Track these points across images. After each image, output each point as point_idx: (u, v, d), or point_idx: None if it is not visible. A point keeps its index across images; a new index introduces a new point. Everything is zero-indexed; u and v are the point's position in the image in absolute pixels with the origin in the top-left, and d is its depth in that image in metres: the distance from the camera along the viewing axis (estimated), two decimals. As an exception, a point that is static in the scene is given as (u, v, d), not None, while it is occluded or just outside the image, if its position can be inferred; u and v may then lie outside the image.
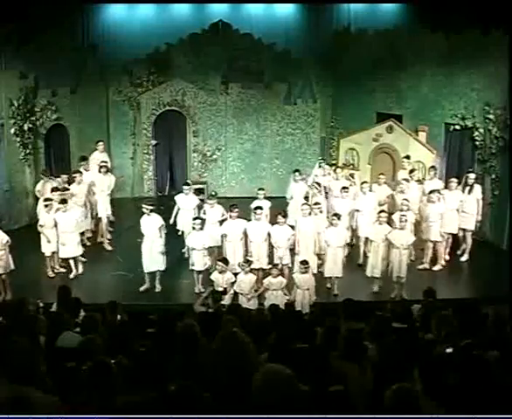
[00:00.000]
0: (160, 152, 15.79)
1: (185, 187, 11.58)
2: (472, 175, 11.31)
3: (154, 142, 15.56)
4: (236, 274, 9.51)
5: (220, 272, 9.31)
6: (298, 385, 3.29)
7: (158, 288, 10.30)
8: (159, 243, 10.15)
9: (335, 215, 10.21)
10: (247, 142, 15.90)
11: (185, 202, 11.36)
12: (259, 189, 11.39)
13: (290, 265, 10.20)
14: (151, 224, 10.14)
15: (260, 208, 10.32)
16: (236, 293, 9.23)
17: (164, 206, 12.54)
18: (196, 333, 4.78)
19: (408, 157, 12.61)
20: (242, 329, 4.21)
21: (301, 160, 15.82)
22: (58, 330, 5.83)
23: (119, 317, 6.93)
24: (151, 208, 10.27)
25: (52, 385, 4.27)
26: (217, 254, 10.46)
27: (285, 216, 10.17)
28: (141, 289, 10.24)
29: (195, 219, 10.19)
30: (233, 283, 9.27)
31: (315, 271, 9.91)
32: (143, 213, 10.22)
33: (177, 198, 11.46)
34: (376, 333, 5.62)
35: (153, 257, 10.14)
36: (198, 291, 10.03)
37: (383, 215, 10.21)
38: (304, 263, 9.34)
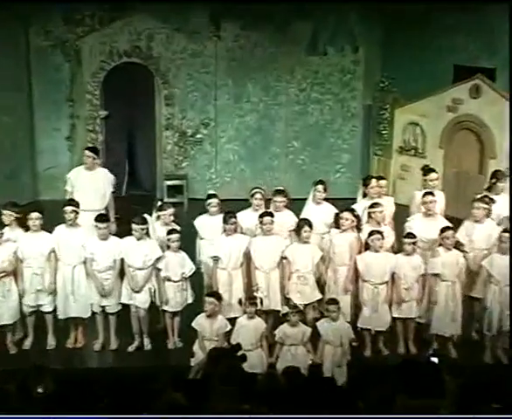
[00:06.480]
0: (113, 129, 15.87)
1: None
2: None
3: (103, 114, 15.66)
4: (232, 319, 9.41)
5: (209, 316, 9.19)
6: None
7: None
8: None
9: (378, 232, 10.12)
10: (250, 114, 16.02)
11: (69, 238, 10.10)
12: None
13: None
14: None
15: (269, 214, 10.23)
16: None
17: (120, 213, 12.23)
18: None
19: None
20: (243, 404, 4.26)
21: (334, 141, 16.03)
22: None
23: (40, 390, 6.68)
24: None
25: None
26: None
27: (310, 225, 10.10)
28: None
29: (170, 232, 10.08)
30: (228, 333, 9.19)
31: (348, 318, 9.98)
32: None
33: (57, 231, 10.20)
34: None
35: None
36: (173, 346, 10.12)
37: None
38: (332, 302, 9.36)
